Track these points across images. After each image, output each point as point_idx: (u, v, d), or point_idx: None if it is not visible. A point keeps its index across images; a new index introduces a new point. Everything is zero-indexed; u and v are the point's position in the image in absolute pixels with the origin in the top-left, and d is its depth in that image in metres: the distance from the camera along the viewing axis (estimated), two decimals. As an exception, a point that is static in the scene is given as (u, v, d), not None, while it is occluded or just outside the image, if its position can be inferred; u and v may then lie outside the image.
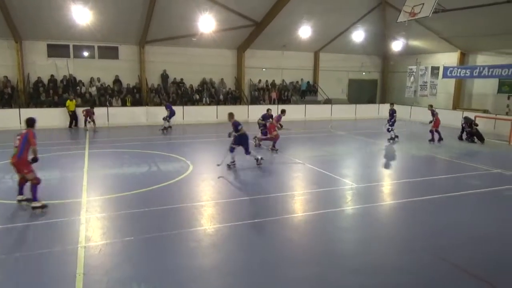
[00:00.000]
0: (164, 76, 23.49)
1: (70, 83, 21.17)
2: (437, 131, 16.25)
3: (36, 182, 7.39)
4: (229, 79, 25.42)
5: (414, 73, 25.24)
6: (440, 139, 16.22)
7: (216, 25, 20.74)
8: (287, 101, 25.58)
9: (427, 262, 5.71)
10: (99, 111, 19.91)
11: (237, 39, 23.83)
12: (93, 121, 19.03)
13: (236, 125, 10.96)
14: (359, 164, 12.70)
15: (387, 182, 10.40)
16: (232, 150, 11.05)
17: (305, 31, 23.21)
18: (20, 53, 20.22)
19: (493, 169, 11.52)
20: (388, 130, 16.50)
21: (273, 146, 14.07)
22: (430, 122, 16.31)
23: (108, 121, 20.37)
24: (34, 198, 7.36)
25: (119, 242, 6.14)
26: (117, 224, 6.92)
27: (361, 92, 29.11)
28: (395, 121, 16.53)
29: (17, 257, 5.55)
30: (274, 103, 24.65)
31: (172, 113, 18.76)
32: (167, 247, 6.05)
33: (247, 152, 11.22)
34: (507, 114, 20.36)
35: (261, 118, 14.94)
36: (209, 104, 23.45)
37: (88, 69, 21.86)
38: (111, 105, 21.18)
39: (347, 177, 10.46)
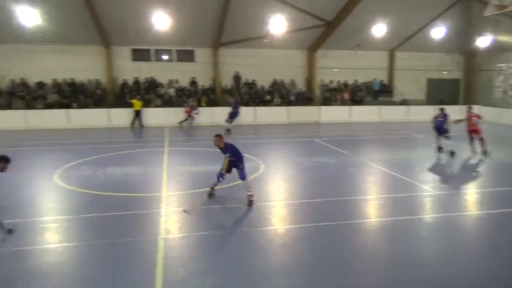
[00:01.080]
0: (237, 78, 24.14)
1: (151, 85, 22.71)
2: None
3: None
4: (300, 79, 25.35)
5: (504, 72, 23.00)
6: None
7: (287, 26, 20.84)
8: (359, 101, 24.83)
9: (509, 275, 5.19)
10: (176, 111, 21.13)
11: (308, 39, 23.69)
12: (191, 117, 20.22)
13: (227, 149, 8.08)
14: (440, 170, 11.90)
15: (472, 191, 9.63)
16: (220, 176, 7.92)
17: (379, 30, 22.35)
18: (108, 58, 22.14)
19: None
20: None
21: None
22: None
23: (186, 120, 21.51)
24: None
25: (195, 236, 6.45)
26: (193, 219, 7.27)
27: (441, 92, 27.19)
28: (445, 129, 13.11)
29: (106, 243, 6.09)
30: (346, 104, 24.10)
31: (235, 114, 18.36)
32: (239, 244, 6.23)
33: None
34: None
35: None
36: (280, 105, 23.61)
37: (167, 72, 23.27)
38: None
39: (426, 183, 9.87)
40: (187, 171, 10.97)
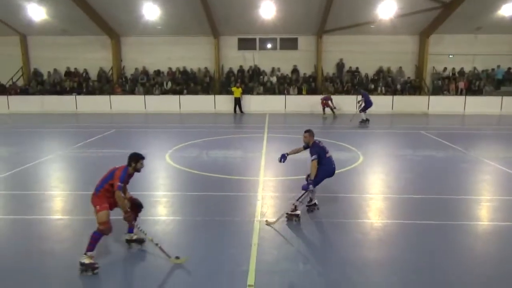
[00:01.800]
0: (340, 65, 23.56)
1: (255, 73, 23.47)
2: None
3: (102, 229, 4.93)
4: (409, 67, 23.68)
5: None
6: None
7: (397, 10, 19.53)
8: (478, 92, 22.23)
9: None
10: (278, 99, 21.58)
11: (420, 23, 21.92)
12: (330, 107, 20.22)
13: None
14: None
15: None
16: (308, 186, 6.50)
17: (508, 9, 19.56)
18: (217, 47, 23.45)
19: None
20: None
21: None
22: None
23: (285, 108, 21.83)
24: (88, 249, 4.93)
25: (289, 222, 6.59)
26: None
27: None
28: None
29: (206, 220, 6.61)
30: (461, 94, 21.82)
31: (367, 104, 17.60)
32: (333, 235, 6.20)
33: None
34: None
35: None
36: (385, 94, 22.42)
37: (270, 60, 23.80)
38: (288, 93, 22.56)
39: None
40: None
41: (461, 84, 22.48)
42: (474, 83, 22.64)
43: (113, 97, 22.51)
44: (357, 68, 23.48)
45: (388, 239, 6.11)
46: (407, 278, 4.97)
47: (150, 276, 4.96)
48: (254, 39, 23.76)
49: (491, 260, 5.53)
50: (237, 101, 21.59)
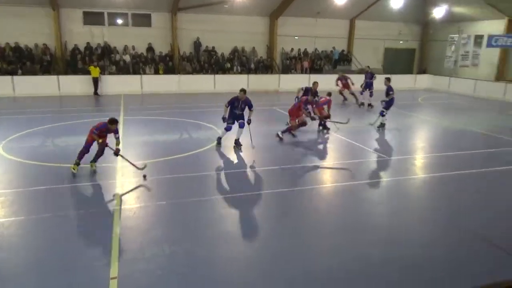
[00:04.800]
0: (197, 44, 23.45)
1: (105, 51, 21.59)
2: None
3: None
4: (261, 47, 25.06)
5: (455, 42, 23.92)
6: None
7: (248, -9, 20.30)
8: (319, 70, 25.03)
9: (454, 236, 5.62)
10: (133, 79, 20.38)
11: (269, 6, 23.29)
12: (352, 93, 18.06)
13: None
14: (391, 137, 12.38)
15: (419, 156, 10.14)
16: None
17: (341, -2, 22.29)
18: (57, 21, 20.67)
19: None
20: (382, 114, 12.80)
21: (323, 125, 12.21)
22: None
23: (141, 88, 20.79)
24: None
25: (153, 206, 6.39)
26: (150, 189, 7.19)
27: (397, 61, 27.97)
28: (391, 103, 12.90)
29: (58, 217, 5.91)
30: (306, 73, 24.21)
31: (367, 84, 17.19)
32: (197, 213, 6.25)
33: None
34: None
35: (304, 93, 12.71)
36: (240, 73, 23.34)
37: (122, 37, 22.13)
38: (144, 72, 21.52)
39: (374, 148, 10.28)
40: (143, 141, 10.73)
41: (306, 64, 24.95)
42: (316, 63, 25.39)
43: None
44: (213, 47, 23.75)
45: (244, 210, 6.48)
46: (270, 243, 5.38)
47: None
48: (102, 13, 21.68)
49: (331, 217, 6.39)
50: (95, 81, 19.71)
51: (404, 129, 13.44)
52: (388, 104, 12.84)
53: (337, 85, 18.52)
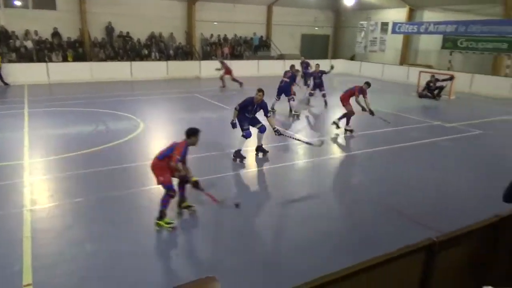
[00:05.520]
0: (109, 29, 21.99)
1: (1, 36, 19.27)
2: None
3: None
4: (180, 33, 24.33)
5: (364, 29, 25.55)
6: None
7: (163, -26, 19.45)
8: (239, 56, 25.10)
9: (369, 208, 6.10)
10: (37, 67, 18.53)
11: (186, -11, 22.63)
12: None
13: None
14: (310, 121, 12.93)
15: (333, 136, 10.74)
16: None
17: (257, -18, 22.45)
18: None
19: (433, 122, 12.28)
20: (311, 95, 14.59)
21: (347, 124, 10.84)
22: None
23: (48, 77, 19.00)
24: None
25: (68, 204, 5.94)
26: (64, 186, 6.66)
27: (314, 47, 29.12)
28: (321, 85, 14.19)
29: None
30: (226, 58, 24.11)
31: (316, 84, 14.41)
32: (118, 207, 5.95)
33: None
34: (448, 69, 21.38)
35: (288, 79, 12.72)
36: (159, 60, 22.49)
37: (22, 20, 19.89)
38: (50, 60, 19.67)
39: (300, 133, 10.68)
40: (54, 135, 9.87)
41: (226, 50, 24.81)
42: (236, 49, 25.38)
43: None
44: (127, 32, 22.46)
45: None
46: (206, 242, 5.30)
47: None
48: (-5, -7, 19.29)
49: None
50: None
51: (323, 112, 14.10)
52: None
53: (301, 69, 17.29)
